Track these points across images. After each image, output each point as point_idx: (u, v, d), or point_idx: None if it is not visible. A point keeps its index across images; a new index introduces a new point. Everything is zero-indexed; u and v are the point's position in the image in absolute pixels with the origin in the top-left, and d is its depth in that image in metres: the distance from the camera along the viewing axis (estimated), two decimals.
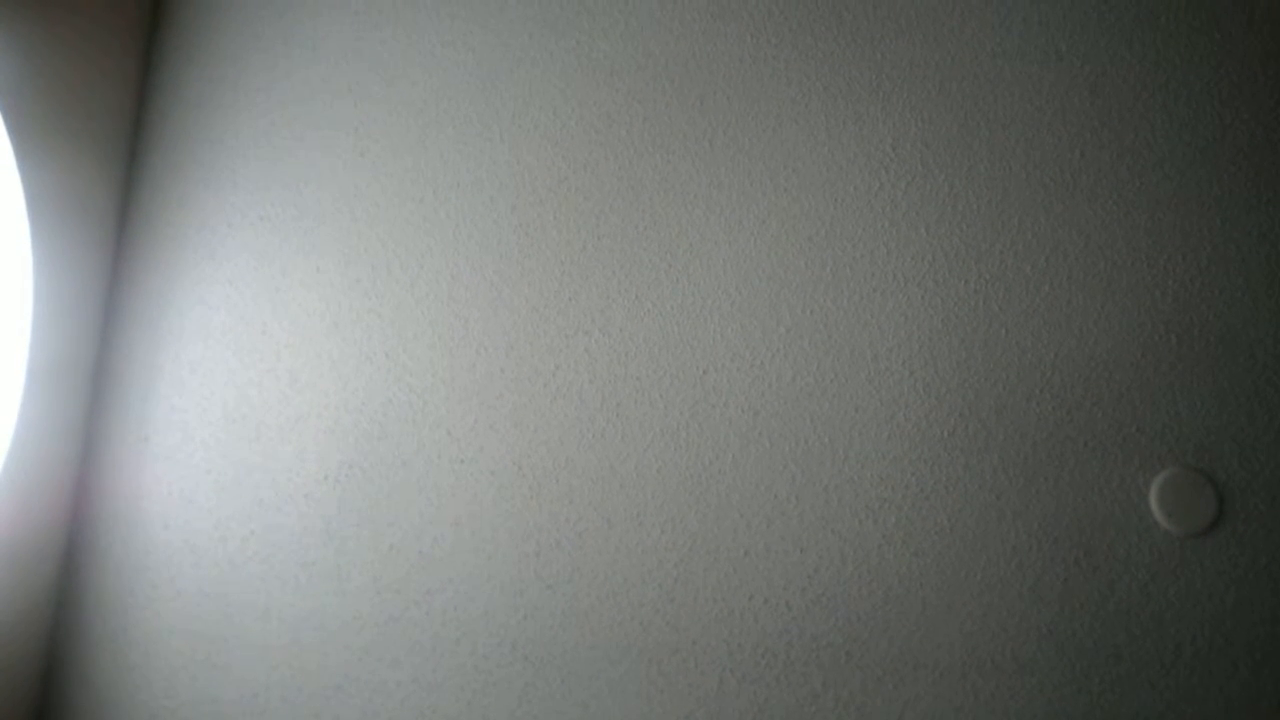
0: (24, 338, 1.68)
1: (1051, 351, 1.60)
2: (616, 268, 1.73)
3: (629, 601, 1.64)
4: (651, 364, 1.70)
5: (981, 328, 1.62)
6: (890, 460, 1.62)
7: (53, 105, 1.73)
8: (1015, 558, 1.58)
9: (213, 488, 1.77)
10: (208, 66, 1.99)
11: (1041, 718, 1.56)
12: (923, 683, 1.60)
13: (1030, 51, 1.69)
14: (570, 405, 1.70)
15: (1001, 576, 1.58)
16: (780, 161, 1.72)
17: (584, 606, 1.66)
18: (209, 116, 1.96)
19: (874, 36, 1.75)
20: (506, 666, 1.65)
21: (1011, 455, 1.59)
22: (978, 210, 1.65)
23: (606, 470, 1.68)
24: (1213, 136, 1.61)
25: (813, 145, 1.72)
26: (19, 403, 1.65)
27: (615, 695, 1.62)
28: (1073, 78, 1.67)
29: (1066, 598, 1.57)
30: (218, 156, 1.92)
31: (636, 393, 1.69)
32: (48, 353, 1.73)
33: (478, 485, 1.70)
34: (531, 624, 1.65)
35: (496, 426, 1.70)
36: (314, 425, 1.75)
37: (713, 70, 1.78)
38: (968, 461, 1.61)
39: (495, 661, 1.65)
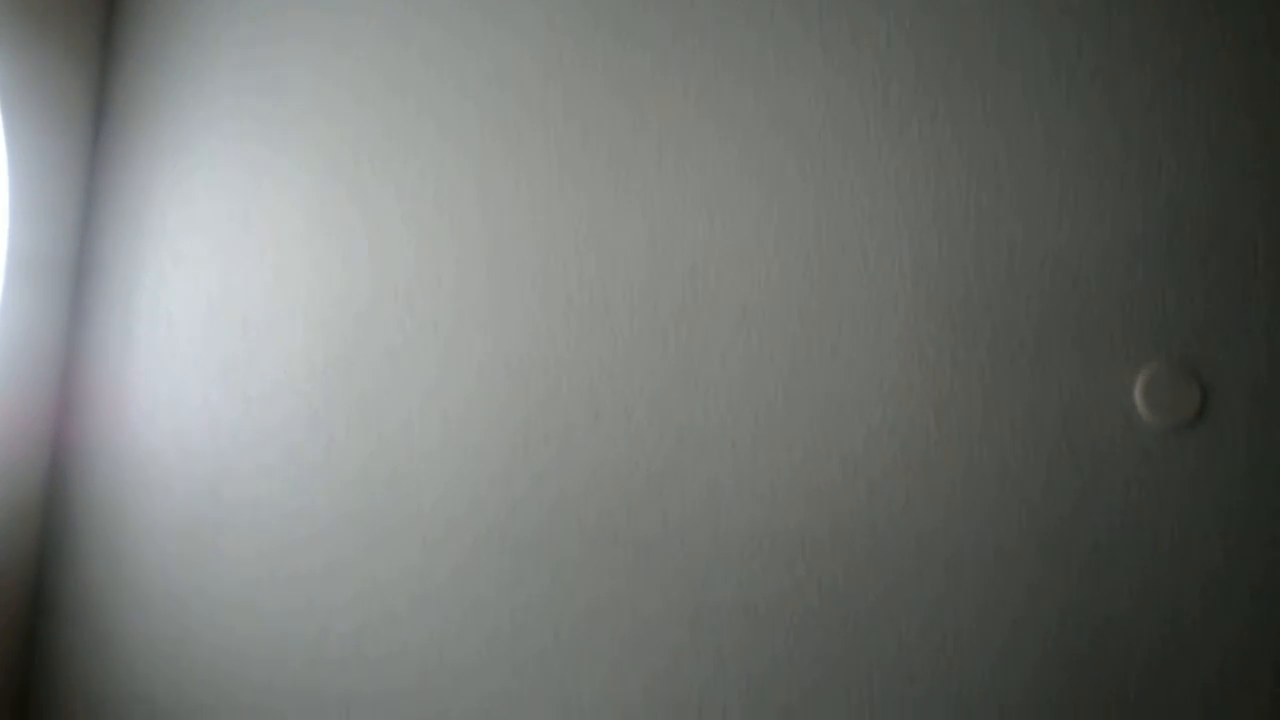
0: (2, 236, 1.65)
1: (1041, 246, 1.59)
2: (604, 165, 1.71)
3: (616, 493, 1.66)
4: (640, 260, 1.69)
5: (971, 223, 1.61)
6: (877, 355, 1.62)
7: (23, 1, 1.68)
8: (998, 451, 1.60)
9: (199, 382, 1.77)
10: None
11: (1019, 606, 1.59)
12: (904, 571, 1.62)
13: None
14: (557, 301, 1.69)
15: (984, 470, 1.60)
16: (771, 58, 1.69)
17: (572, 498, 1.67)
18: (185, 6, 1.91)
19: None
20: (496, 557, 1.67)
21: (999, 350, 1.59)
22: (970, 106, 1.63)
23: (594, 364, 1.68)
24: (1209, 34, 1.58)
25: (806, 42, 1.68)
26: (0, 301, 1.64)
27: (603, 583, 1.65)
28: None
29: (1048, 490, 1.58)
30: (195, 50, 1.88)
31: (624, 289, 1.68)
32: (28, 250, 1.71)
33: (465, 380, 1.70)
34: (520, 515, 1.67)
35: (483, 322, 1.70)
36: (300, 320, 1.74)
37: None
38: (954, 356, 1.61)
39: (485, 552, 1.67)
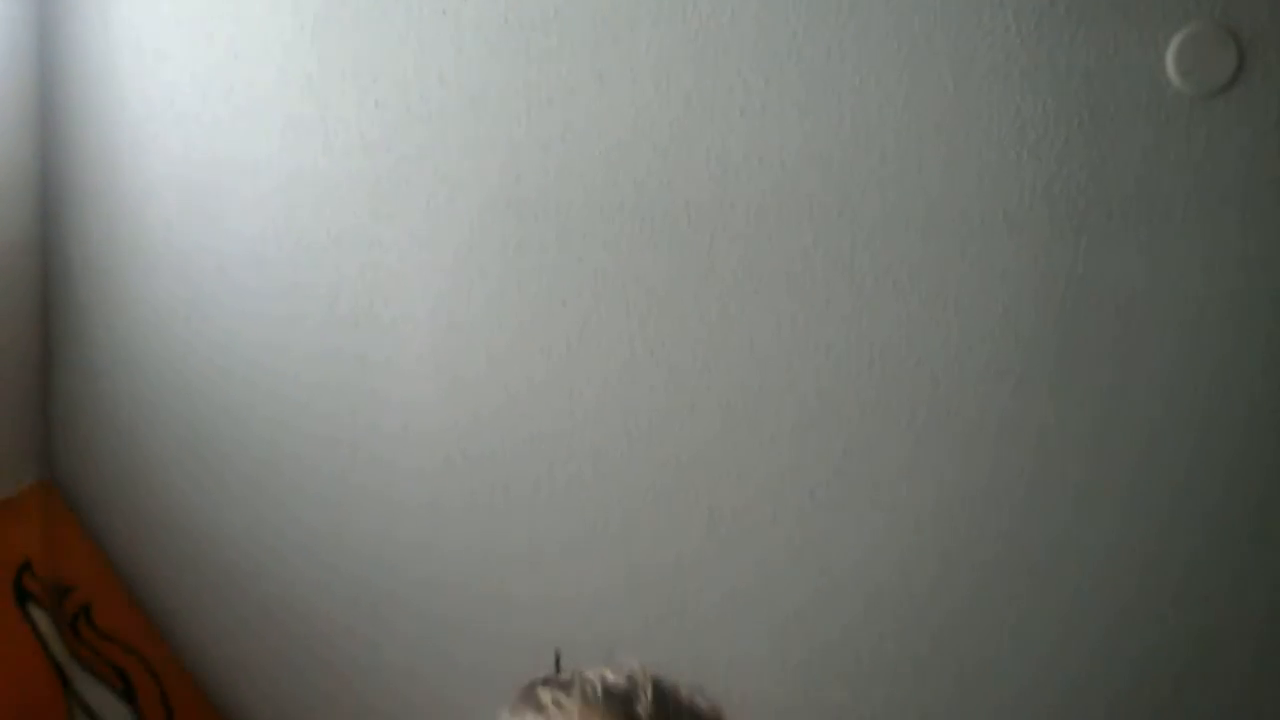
0: None
1: None
2: None
3: (622, 160, 1.63)
4: None
5: None
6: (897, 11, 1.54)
7: None
8: (1018, 118, 1.54)
9: (185, 40, 1.69)
10: None
11: (1026, 275, 1.60)
12: (912, 240, 1.62)
13: None
14: None
15: (1001, 136, 1.55)
16: None
17: (577, 165, 1.64)
18: None
19: None
20: (500, 224, 1.66)
21: (1025, 12, 1.50)
22: None
23: (599, 21, 1.59)
24: None
25: None
26: None
27: (609, 252, 1.65)
28: None
29: (1066, 156, 1.55)
30: None
31: None
32: None
33: (463, 43, 1.63)
34: (525, 183, 1.65)
35: None
36: None
37: None
38: (979, 18, 1.52)
39: (489, 219, 1.66)
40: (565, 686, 0.67)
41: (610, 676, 0.68)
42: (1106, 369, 1.60)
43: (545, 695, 0.66)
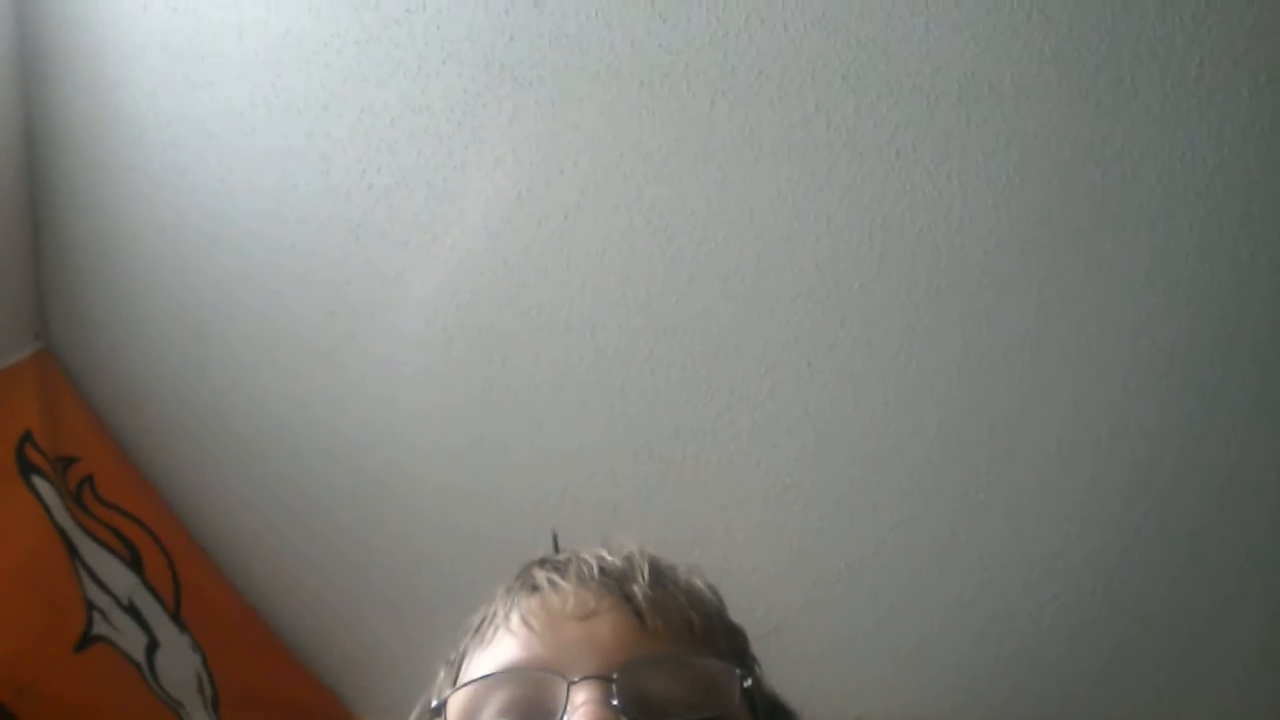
0: None
1: None
2: None
3: (619, 21, 1.57)
4: None
5: None
6: None
7: None
8: None
9: None
10: None
11: (1033, 142, 1.57)
12: (917, 107, 1.58)
13: None
14: None
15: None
16: None
17: (573, 27, 1.58)
18: None
19: None
20: (495, 88, 1.61)
21: None
22: None
23: None
24: None
25: None
26: None
27: (605, 117, 1.61)
28: None
29: (1077, 18, 1.50)
30: None
31: None
32: None
33: None
34: (519, 44, 1.59)
35: None
36: None
37: None
38: None
39: (483, 83, 1.61)
40: (561, 567, 0.67)
41: (607, 557, 0.67)
42: (1113, 235, 1.59)
43: (541, 576, 0.65)
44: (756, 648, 0.73)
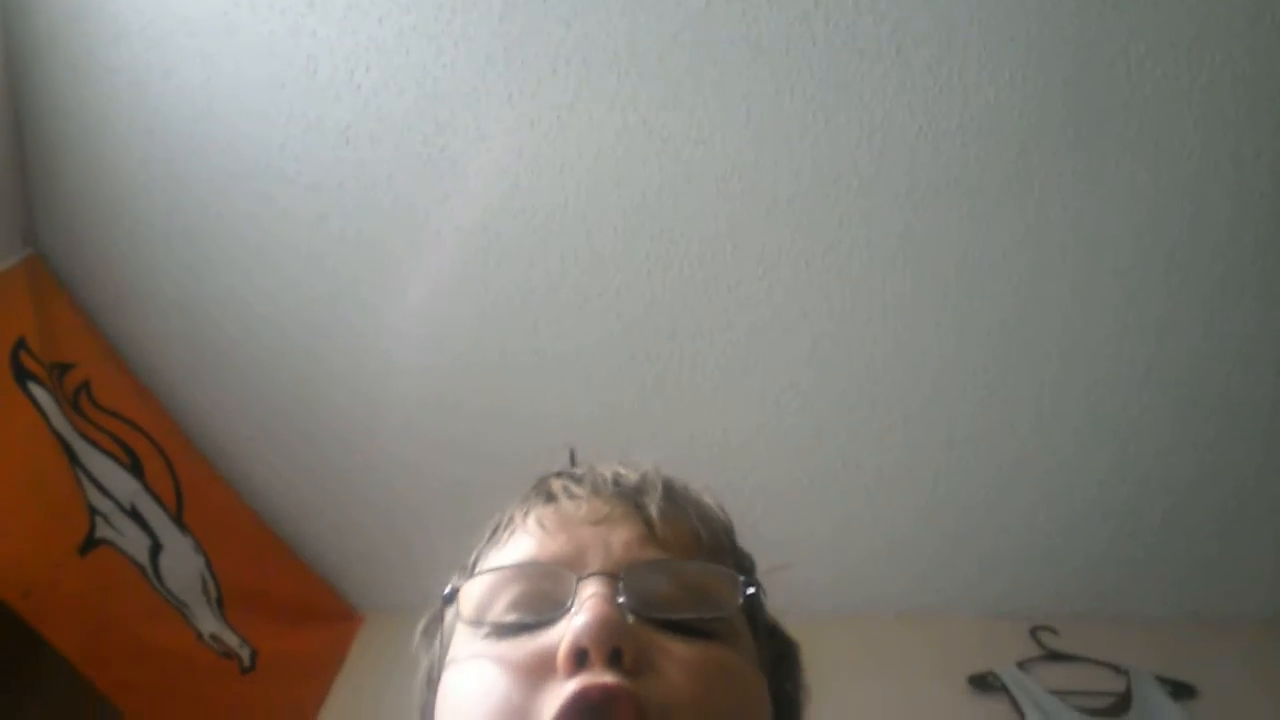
0: None
1: None
2: None
3: None
4: None
5: None
6: None
7: None
8: None
9: None
10: None
11: (1033, 39, 1.53)
12: (917, 3, 1.54)
13: None
14: None
15: None
16: None
17: None
18: None
19: None
20: None
21: None
22: None
23: None
24: None
25: None
26: None
27: (598, 15, 1.57)
28: None
29: None
30: None
31: None
32: None
33: None
34: None
35: None
36: None
37: None
38: None
39: None
40: (578, 478, 0.68)
41: (623, 472, 0.68)
42: (1115, 134, 1.57)
43: (557, 485, 0.66)
44: (751, 540, 0.74)
